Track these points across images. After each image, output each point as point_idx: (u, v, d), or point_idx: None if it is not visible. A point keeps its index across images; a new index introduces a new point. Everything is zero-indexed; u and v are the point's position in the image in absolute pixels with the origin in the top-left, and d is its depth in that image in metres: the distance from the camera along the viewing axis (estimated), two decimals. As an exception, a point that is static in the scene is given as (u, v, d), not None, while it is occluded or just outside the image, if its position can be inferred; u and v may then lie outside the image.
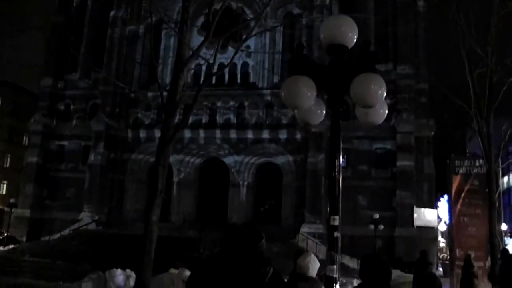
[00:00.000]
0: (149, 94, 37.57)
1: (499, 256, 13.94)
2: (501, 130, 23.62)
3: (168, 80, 35.71)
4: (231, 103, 37.25)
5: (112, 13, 40.94)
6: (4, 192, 52.87)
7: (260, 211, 37.09)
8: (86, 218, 36.56)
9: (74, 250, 29.08)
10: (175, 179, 37.08)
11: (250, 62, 38.22)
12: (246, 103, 37.13)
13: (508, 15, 20.78)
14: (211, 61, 11.38)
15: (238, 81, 38.29)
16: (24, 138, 50.83)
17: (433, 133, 33.59)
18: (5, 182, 53.68)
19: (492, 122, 19.91)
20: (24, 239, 36.60)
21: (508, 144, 30.45)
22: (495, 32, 20.18)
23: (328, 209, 5.81)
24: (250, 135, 36.31)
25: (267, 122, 36.46)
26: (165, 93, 10.95)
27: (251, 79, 38.29)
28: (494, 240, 16.34)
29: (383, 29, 36.12)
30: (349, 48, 6.00)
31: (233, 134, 36.60)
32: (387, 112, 6.24)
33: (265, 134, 36.00)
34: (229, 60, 12.11)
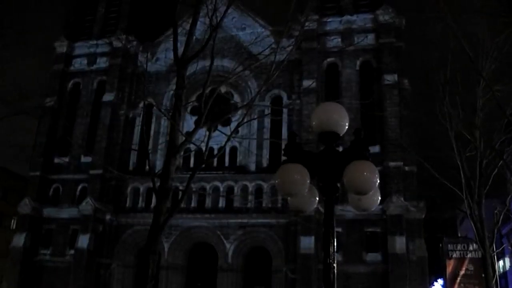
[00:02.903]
0: (140, 178, 37.28)
1: None
2: (493, 213, 23.30)
3: (159, 163, 35.74)
4: (221, 187, 37.06)
5: (104, 97, 41.45)
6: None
7: (250, 297, 36.35)
8: (71, 304, 35.52)
9: None
10: (164, 263, 36.37)
11: (238, 145, 38.34)
12: (235, 187, 36.95)
13: (493, 99, 21.03)
14: (203, 147, 11.41)
15: (227, 164, 38.32)
16: (12, 222, 49.99)
17: (423, 215, 33.38)
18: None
19: (484, 205, 19.76)
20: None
21: (501, 227, 30.15)
22: (482, 116, 20.36)
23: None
24: (239, 219, 35.87)
25: (256, 207, 36.13)
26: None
27: (240, 162, 38.36)
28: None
29: (369, 111, 36.39)
30: (341, 135, 6.05)
31: (222, 219, 36.15)
32: (379, 198, 6.25)
33: (254, 219, 35.56)
34: (217, 143, 12.13)
